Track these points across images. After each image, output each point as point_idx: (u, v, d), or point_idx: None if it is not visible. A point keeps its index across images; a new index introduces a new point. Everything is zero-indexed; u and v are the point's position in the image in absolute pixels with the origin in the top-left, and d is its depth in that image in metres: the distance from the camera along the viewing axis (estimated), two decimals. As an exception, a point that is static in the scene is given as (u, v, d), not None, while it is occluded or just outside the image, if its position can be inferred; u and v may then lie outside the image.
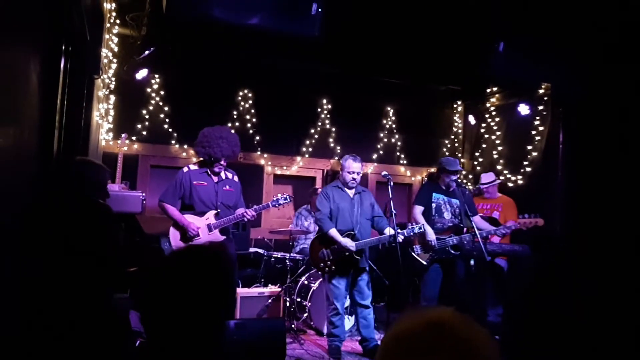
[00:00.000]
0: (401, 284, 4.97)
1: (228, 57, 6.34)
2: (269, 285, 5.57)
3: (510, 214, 5.67)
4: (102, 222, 2.72)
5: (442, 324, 0.85)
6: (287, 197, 4.70)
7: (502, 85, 7.00)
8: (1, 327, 1.95)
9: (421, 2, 4.95)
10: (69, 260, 2.46)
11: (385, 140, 7.45)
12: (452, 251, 4.80)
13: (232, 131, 4.66)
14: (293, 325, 5.27)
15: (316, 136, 7.03)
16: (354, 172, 4.63)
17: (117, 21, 5.04)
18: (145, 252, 4.71)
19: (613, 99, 5.09)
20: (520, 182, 6.69)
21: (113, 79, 5.32)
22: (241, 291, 5.22)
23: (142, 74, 5.75)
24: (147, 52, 5.40)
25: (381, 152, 7.40)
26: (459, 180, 5.45)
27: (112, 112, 5.69)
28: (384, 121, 7.47)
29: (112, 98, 5.60)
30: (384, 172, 4.82)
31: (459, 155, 7.77)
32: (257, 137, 6.69)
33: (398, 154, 7.53)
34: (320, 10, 4.27)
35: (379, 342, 4.20)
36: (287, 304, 5.40)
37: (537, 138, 6.55)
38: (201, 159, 4.53)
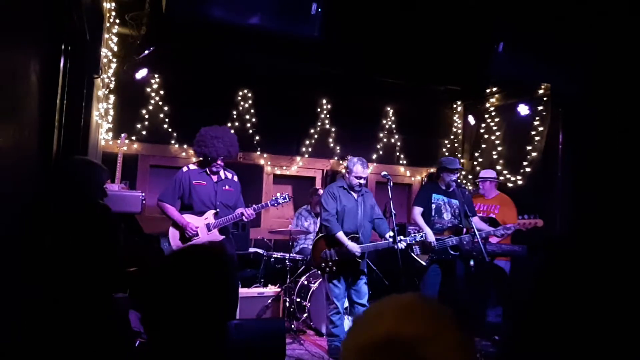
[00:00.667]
0: (401, 284, 4.98)
1: (228, 57, 6.33)
2: (269, 285, 5.57)
3: (509, 213, 5.64)
4: (102, 222, 2.71)
5: (401, 340, 0.85)
6: (287, 196, 4.70)
7: (501, 85, 7.00)
8: (1, 327, 1.94)
9: (421, 2, 4.95)
10: (68, 260, 2.46)
11: (385, 140, 7.44)
12: (452, 252, 4.80)
13: (232, 131, 4.66)
14: (293, 326, 5.27)
15: (316, 136, 7.03)
16: (361, 178, 4.65)
17: (117, 21, 5.03)
18: (145, 252, 4.71)
19: (613, 99, 5.08)
20: (519, 182, 6.68)
21: (113, 78, 5.31)
22: (241, 291, 5.22)
23: (141, 73, 5.75)
24: (146, 52, 5.40)
25: (381, 152, 7.39)
26: (459, 181, 5.45)
27: (111, 112, 5.68)
28: (384, 121, 7.47)
29: (112, 98, 5.59)
30: (384, 172, 4.83)
31: (459, 155, 7.75)
32: (257, 137, 6.69)
33: (398, 154, 7.52)
34: (320, 10, 4.26)
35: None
36: (287, 304, 5.40)
37: (537, 138, 6.54)
38: (200, 158, 4.53)
